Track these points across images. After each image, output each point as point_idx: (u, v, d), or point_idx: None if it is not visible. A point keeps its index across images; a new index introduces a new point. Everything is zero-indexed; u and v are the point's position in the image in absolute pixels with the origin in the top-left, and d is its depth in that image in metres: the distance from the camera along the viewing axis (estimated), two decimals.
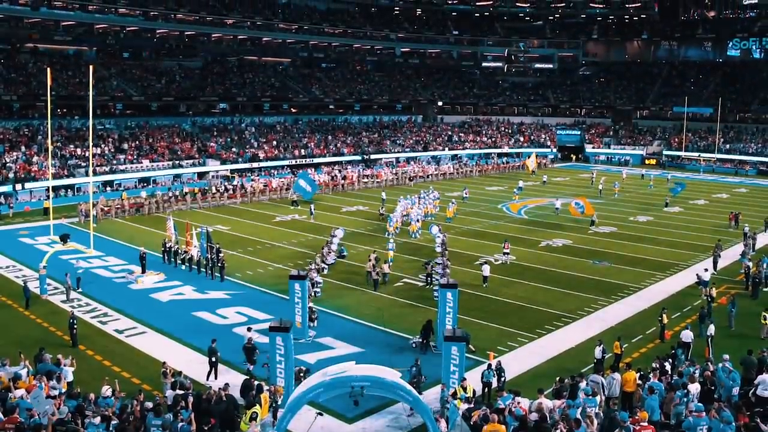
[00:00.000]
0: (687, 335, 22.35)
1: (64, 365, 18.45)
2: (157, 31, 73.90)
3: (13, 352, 19.08)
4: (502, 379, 19.38)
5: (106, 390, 16.60)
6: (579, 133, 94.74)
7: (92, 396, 15.88)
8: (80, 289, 29.31)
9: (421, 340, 23.10)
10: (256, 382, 17.82)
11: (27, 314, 26.58)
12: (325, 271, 32.47)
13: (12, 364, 17.91)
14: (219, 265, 31.91)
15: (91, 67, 39.70)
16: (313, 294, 27.40)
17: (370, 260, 31.73)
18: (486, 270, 31.62)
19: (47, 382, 16.31)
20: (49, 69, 42.26)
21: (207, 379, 20.06)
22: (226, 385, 17.32)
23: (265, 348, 20.30)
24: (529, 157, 75.63)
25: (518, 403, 15.27)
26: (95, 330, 24.80)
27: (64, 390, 16.64)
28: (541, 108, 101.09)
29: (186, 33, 76.28)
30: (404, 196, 50.76)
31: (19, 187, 50.61)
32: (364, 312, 27.10)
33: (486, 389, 19.34)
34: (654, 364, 18.51)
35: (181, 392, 16.60)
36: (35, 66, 64.31)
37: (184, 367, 20.23)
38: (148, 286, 30.62)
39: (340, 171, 67.41)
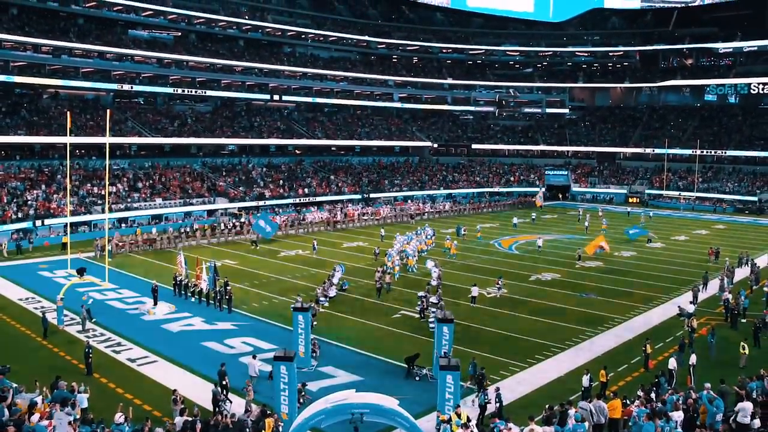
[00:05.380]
0: (673, 363, 22.39)
1: (79, 392, 18.41)
2: (170, 78, 74.67)
3: (31, 380, 19.04)
4: (499, 404, 19.33)
5: (119, 417, 16.55)
6: (566, 173, 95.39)
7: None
8: (94, 320, 29.26)
9: (407, 366, 23.18)
10: (255, 407, 17.79)
11: (45, 344, 26.54)
12: (326, 304, 32.49)
13: (28, 391, 17.87)
14: (227, 297, 31.91)
15: (108, 111, 40.25)
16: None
17: (377, 272, 35.84)
18: (475, 291, 33.09)
19: (59, 409, 16.24)
20: (68, 112, 42.79)
21: (224, 399, 20.01)
22: (247, 411, 17.33)
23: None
24: (536, 195, 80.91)
25: (510, 429, 15.25)
26: (109, 359, 24.75)
27: (78, 416, 16.60)
28: (531, 150, 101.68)
29: (198, 79, 77.11)
30: (401, 232, 50.90)
31: (39, 223, 50.77)
32: (364, 342, 27.07)
33: (481, 414, 19.31)
34: (639, 392, 18.50)
35: (189, 419, 16.57)
36: (56, 109, 64.91)
37: (193, 394, 20.22)
38: (160, 317, 30.60)
39: (341, 209, 67.68)
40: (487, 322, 30.20)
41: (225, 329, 28.86)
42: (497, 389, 19.75)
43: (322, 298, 32.35)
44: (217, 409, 18.78)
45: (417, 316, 30.90)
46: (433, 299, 31.72)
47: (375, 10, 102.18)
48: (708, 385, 17.51)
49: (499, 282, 35.84)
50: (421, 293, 32.25)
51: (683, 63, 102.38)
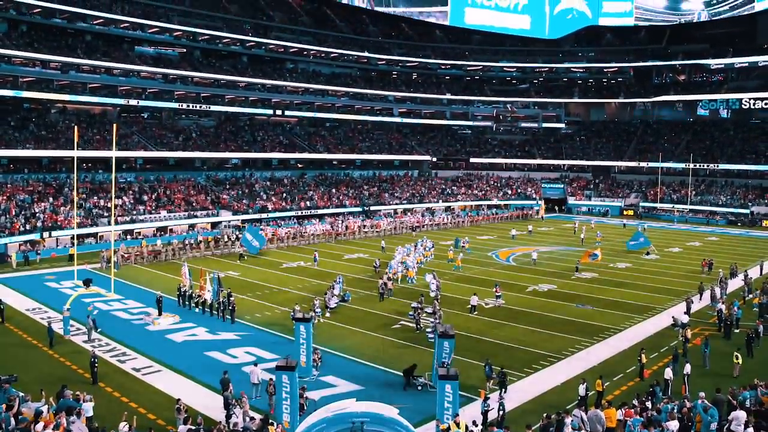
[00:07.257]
0: (668, 373, 22.35)
1: (84, 401, 18.35)
2: (175, 93, 74.90)
3: (37, 389, 19.00)
4: (502, 412, 19.30)
5: (124, 426, 16.51)
6: (562, 186, 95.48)
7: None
8: (99, 330, 29.19)
9: (405, 379, 23.17)
10: (257, 416, 17.76)
11: (51, 353, 26.48)
12: (327, 314, 32.44)
13: (34, 400, 17.83)
14: (230, 308, 31.87)
15: (114, 125, 40.38)
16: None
17: (381, 278, 37.50)
18: (474, 300, 33.31)
19: (64, 418, 16.18)
20: (76, 127, 42.96)
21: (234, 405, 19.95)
22: (252, 419, 17.31)
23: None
24: (540, 207, 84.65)
25: None
26: (114, 368, 24.69)
27: (83, 425, 16.54)
28: (528, 163, 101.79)
29: (202, 95, 77.31)
30: (401, 245, 50.92)
31: (46, 235, 50.78)
32: (364, 352, 27.03)
33: (483, 422, 19.30)
34: (634, 401, 18.45)
35: (193, 427, 16.53)
36: (64, 124, 65.06)
37: (196, 403, 20.13)
38: (164, 328, 30.55)
39: (342, 221, 67.68)
40: (485, 332, 30.15)
41: (228, 339, 28.82)
42: (501, 397, 19.72)
43: (318, 310, 32.12)
44: (227, 412, 18.86)
45: (415, 326, 30.86)
46: (428, 309, 31.67)
47: (375, 28, 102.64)
48: (703, 394, 17.48)
49: (498, 291, 35.81)
50: (414, 304, 32.17)
51: (676, 79, 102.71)
